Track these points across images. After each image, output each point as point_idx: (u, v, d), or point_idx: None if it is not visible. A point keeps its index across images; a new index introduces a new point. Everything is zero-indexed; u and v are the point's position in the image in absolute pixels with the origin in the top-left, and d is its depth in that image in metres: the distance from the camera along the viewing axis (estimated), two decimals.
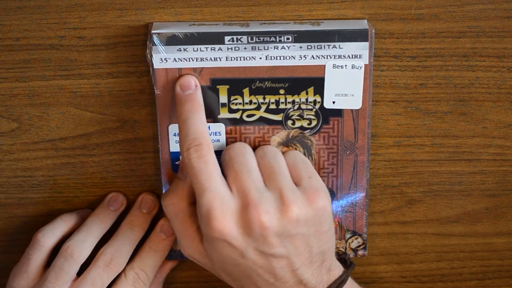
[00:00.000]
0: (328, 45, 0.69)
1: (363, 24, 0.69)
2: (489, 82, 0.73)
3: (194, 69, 0.70)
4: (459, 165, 0.76)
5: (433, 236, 0.79)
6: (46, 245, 0.74)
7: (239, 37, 0.69)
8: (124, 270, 0.74)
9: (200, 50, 0.69)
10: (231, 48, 0.69)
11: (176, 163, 0.73)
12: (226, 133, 0.72)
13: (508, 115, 0.74)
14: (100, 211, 0.75)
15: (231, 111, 0.72)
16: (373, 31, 0.69)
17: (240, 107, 0.71)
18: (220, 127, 0.72)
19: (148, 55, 0.69)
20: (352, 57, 0.69)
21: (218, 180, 0.67)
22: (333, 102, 0.71)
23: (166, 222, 0.75)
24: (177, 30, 0.69)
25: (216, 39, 0.69)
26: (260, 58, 0.69)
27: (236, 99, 0.71)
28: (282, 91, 0.71)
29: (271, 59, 0.69)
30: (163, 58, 0.69)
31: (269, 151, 0.70)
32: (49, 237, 0.74)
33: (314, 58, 0.69)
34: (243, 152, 0.69)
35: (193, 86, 0.70)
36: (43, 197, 0.77)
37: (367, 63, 0.70)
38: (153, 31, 0.69)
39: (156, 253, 0.75)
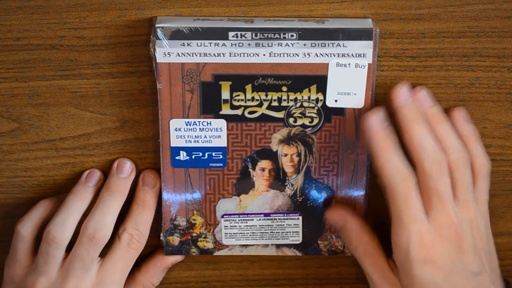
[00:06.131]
0: (332, 43, 0.69)
1: (367, 23, 0.69)
2: (489, 82, 0.73)
3: (197, 64, 0.70)
4: None
5: None
6: (27, 235, 0.74)
7: (243, 33, 0.69)
8: (117, 232, 0.74)
9: (204, 45, 0.69)
10: (235, 44, 0.69)
11: (176, 158, 0.73)
12: (228, 129, 0.72)
13: (508, 115, 0.74)
14: (77, 188, 0.75)
15: (233, 107, 0.72)
16: (378, 30, 0.69)
17: (242, 103, 0.71)
18: (222, 123, 0.72)
19: (151, 49, 0.69)
20: (356, 56, 0.69)
21: (421, 208, 0.69)
22: (336, 101, 0.71)
23: (147, 174, 0.75)
24: (181, 24, 0.69)
25: (220, 34, 0.69)
26: (264, 54, 0.69)
27: (238, 95, 0.71)
28: (284, 88, 0.71)
29: (274, 56, 0.69)
30: (167, 53, 0.69)
31: (461, 163, 0.70)
32: (28, 226, 0.74)
33: (317, 56, 0.69)
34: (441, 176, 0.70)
35: (381, 123, 0.70)
36: (43, 197, 0.77)
37: (370, 62, 0.70)
38: (157, 25, 0.69)
39: (144, 208, 0.75)
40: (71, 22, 0.71)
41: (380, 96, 0.73)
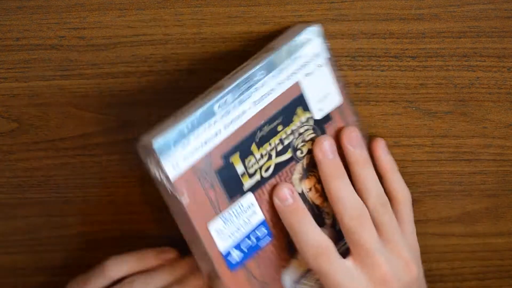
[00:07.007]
0: (294, 58, 0.68)
1: (303, 27, 0.69)
2: (489, 82, 0.73)
3: (204, 156, 0.66)
4: (459, 165, 0.76)
5: (433, 236, 0.80)
6: (111, 276, 0.75)
7: (225, 98, 0.66)
8: None
9: (199, 135, 0.66)
10: (223, 115, 0.66)
11: (230, 260, 0.69)
12: (256, 199, 0.69)
13: (508, 115, 0.74)
14: (179, 267, 0.77)
15: (250, 176, 0.69)
16: (319, 25, 0.69)
17: (256, 166, 0.69)
18: (250, 198, 0.69)
19: (155, 172, 0.65)
20: (314, 58, 0.69)
21: (350, 272, 0.69)
22: (320, 110, 0.71)
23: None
24: (168, 131, 0.65)
25: (206, 114, 0.66)
26: (250, 108, 0.67)
27: (249, 161, 0.68)
28: (280, 127, 0.69)
29: (258, 103, 0.68)
30: (175, 164, 0.65)
31: (379, 205, 0.70)
32: (117, 271, 0.76)
33: (289, 79, 0.69)
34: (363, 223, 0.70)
35: (289, 195, 0.70)
36: (43, 197, 0.77)
37: (327, 56, 0.70)
38: (153, 144, 0.64)
39: None
40: (71, 22, 0.71)
41: (380, 96, 0.73)
